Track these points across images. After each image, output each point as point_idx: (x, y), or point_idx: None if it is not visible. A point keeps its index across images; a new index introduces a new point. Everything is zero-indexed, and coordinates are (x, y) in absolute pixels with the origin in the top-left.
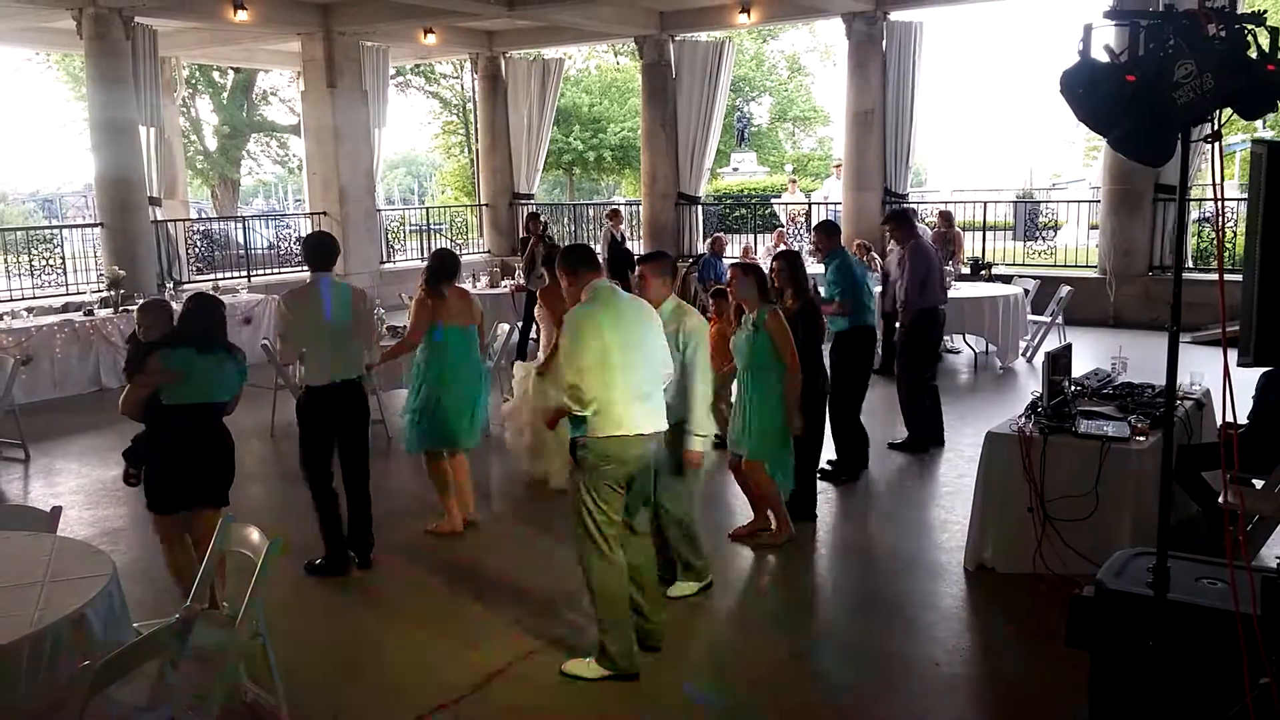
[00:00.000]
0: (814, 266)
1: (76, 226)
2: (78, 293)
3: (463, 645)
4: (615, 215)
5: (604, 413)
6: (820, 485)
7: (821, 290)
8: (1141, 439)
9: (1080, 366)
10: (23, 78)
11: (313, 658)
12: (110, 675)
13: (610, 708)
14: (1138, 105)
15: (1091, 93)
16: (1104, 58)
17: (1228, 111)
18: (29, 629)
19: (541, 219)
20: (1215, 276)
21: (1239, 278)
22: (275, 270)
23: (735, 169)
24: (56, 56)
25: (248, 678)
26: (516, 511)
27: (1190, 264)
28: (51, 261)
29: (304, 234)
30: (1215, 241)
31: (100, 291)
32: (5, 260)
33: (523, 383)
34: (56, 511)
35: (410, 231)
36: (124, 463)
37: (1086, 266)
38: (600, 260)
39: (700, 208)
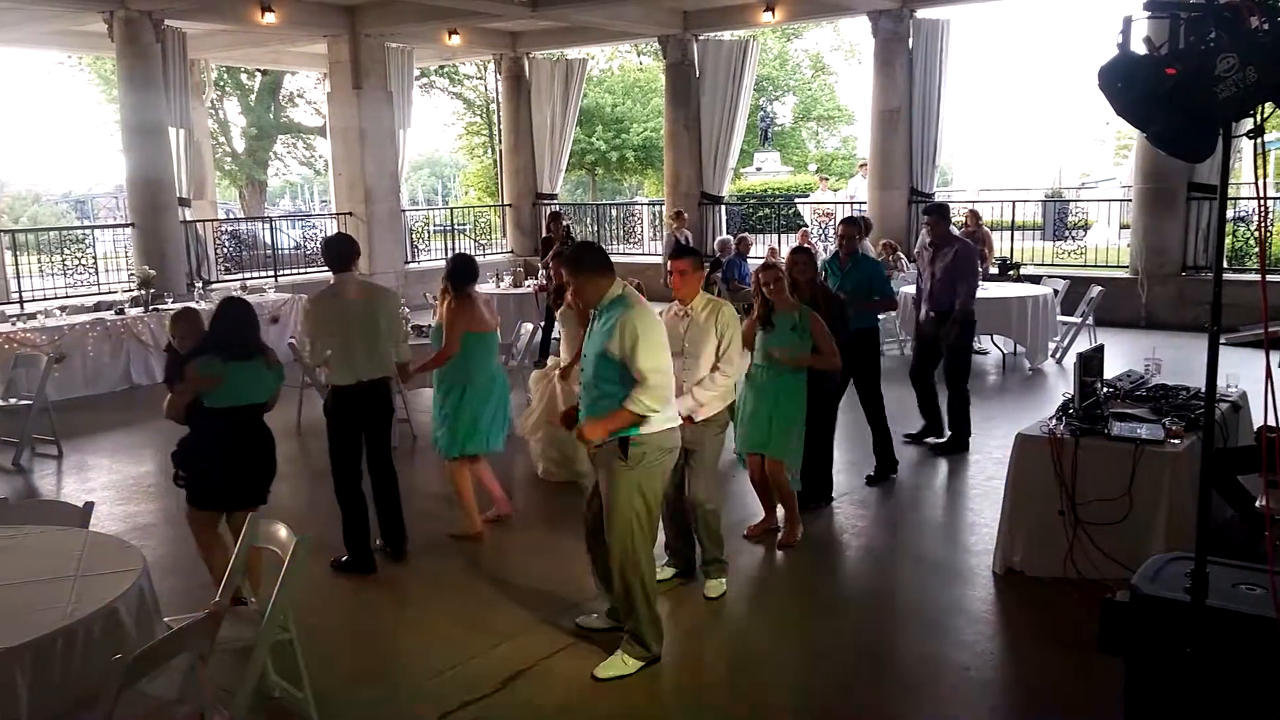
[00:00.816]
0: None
1: (108, 227)
2: (109, 292)
3: (487, 644)
4: (680, 217)
5: (665, 409)
6: (847, 485)
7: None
8: (1176, 442)
9: (1112, 368)
10: (55, 81)
11: (339, 654)
12: (142, 669)
13: (637, 705)
14: (1178, 100)
15: (1130, 87)
16: (1143, 51)
17: (1269, 106)
18: (62, 622)
19: (564, 220)
20: (1250, 277)
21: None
22: (302, 270)
23: (758, 169)
24: (88, 59)
25: (275, 673)
26: (540, 512)
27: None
28: (83, 261)
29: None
30: (1251, 241)
31: (131, 291)
32: (39, 260)
33: (542, 389)
34: (89, 507)
35: (434, 232)
36: (171, 465)
37: (1118, 266)
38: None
39: (723, 208)
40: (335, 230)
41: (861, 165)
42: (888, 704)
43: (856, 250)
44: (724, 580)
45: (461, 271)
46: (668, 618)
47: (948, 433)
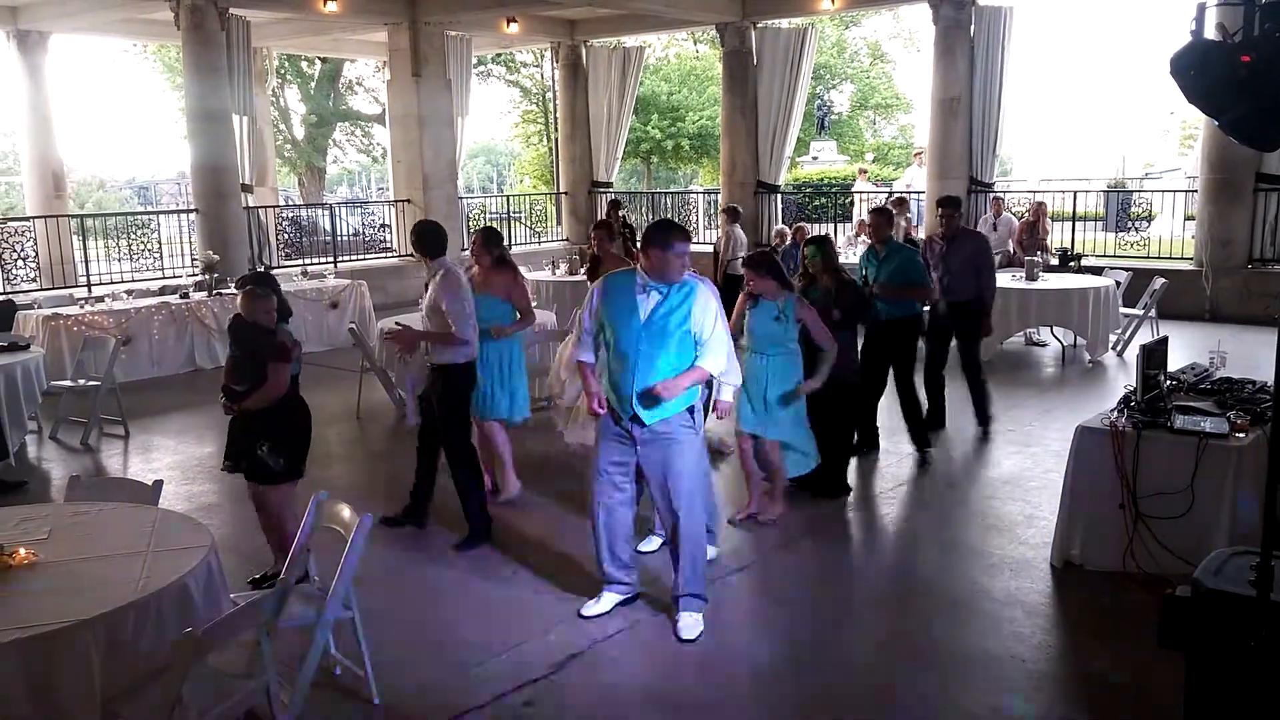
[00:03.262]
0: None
1: (172, 212)
2: (173, 276)
3: (542, 627)
4: (733, 213)
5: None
6: (901, 476)
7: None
8: (1241, 435)
9: (1176, 361)
10: (120, 68)
11: (399, 634)
12: (211, 643)
13: (690, 690)
14: (1253, 87)
15: (1203, 74)
16: (1217, 37)
17: None
18: (134, 596)
19: (622, 209)
20: None
21: None
22: (360, 256)
23: (815, 158)
24: (153, 47)
25: (337, 650)
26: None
27: None
28: (148, 246)
29: (387, 222)
30: None
31: (195, 275)
32: (106, 245)
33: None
34: (158, 485)
35: (490, 219)
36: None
37: (1182, 258)
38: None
39: (779, 196)
40: (395, 217)
41: (916, 154)
42: (946, 693)
43: (890, 238)
44: (714, 549)
45: (497, 239)
46: (721, 607)
47: (976, 425)
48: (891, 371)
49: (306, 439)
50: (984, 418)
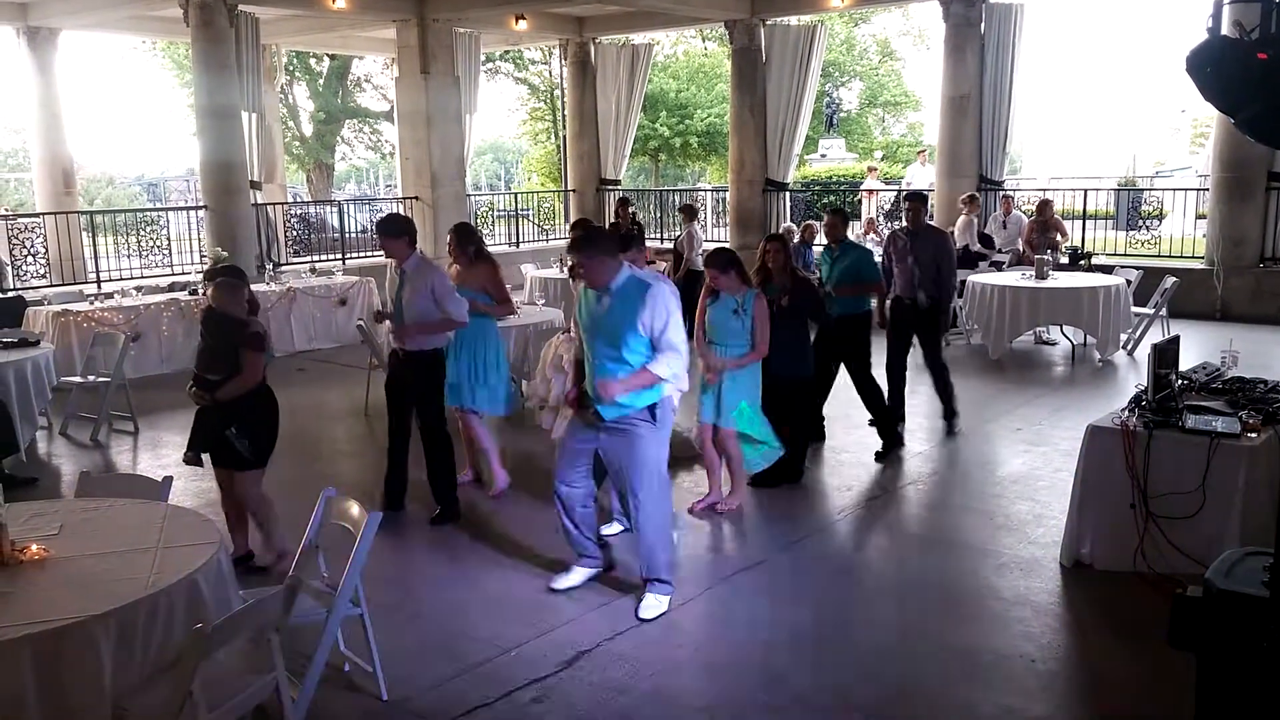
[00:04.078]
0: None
1: (181, 209)
2: (182, 273)
3: (551, 623)
4: (690, 212)
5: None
6: (909, 474)
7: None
8: (1253, 435)
9: (1187, 360)
10: (129, 65)
11: (407, 630)
12: (220, 639)
13: (699, 687)
14: (1269, 85)
15: (1219, 72)
16: (1233, 35)
17: None
18: (145, 592)
19: (630, 206)
20: None
21: None
22: (368, 253)
23: (823, 155)
24: (163, 44)
25: (345, 647)
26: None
27: None
28: (158, 243)
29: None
30: None
31: (203, 272)
32: (115, 241)
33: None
34: (168, 481)
35: (498, 217)
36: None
37: (1193, 257)
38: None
39: (788, 194)
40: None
41: (919, 153)
42: (954, 693)
43: (845, 237)
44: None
45: (474, 234)
46: (729, 605)
47: (940, 419)
48: (849, 369)
49: (275, 427)
50: (950, 412)
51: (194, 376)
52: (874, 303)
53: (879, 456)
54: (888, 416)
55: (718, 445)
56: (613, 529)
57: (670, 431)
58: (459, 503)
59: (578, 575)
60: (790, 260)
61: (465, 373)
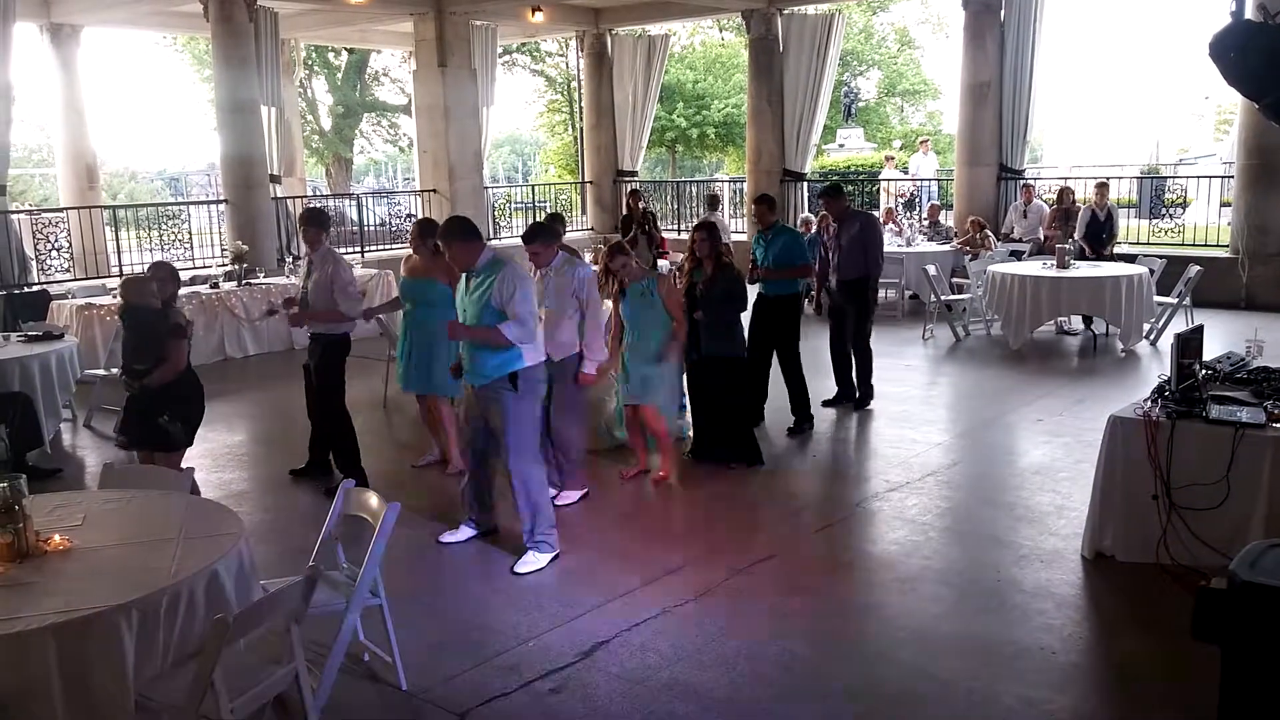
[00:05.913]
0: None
1: (202, 203)
2: (203, 266)
3: (569, 614)
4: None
5: (533, 345)
6: (929, 465)
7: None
8: (1279, 425)
9: (1211, 350)
10: (151, 60)
11: (426, 620)
12: (242, 629)
13: (715, 679)
14: None
15: (1244, 57)
16: (1258, 19)
17: None
18: (167, 582)
19: (641, 199)
20: None
21: None
22: (386, 246)
23: (841, 145)
24: (183, 39)
25: (365, 637)
26: (621, 488)
27: None
28: (179, 237)
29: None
30: None
31: (224, 266)
32: (137, 235)
33: None
34: (189, 472)
35: (516, 209)
36: (166, 422)
37: (1217, 246)
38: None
39: (806, 184)
40: (421, 207)
41: (922, 141)
42: (974, 685)
43: (776, 223)
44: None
45: (430, 230)
46: (745, 598)
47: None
48: (777, 349)
49: (201, 410)
50: (866, 389)
51: (123, 366)
52: (804, 285)
53: (790, 432)
54: (805, 399)
55: (644, 422)
56: (459, 535)
57: (538, 402)
58: (365, 473)
59: (463, 533)
60: (716, 247)
61: (436, 357)
